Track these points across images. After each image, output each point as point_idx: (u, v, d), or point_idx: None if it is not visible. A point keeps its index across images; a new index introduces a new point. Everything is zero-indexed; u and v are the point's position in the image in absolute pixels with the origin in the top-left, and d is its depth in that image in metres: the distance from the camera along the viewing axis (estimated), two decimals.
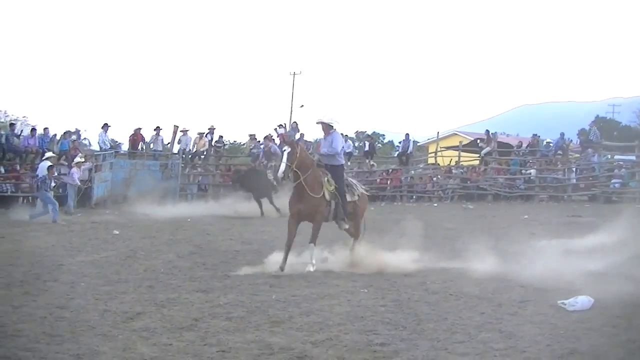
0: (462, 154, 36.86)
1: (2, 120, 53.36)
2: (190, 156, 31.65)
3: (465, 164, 36.51)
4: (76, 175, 25.34)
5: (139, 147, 31.32)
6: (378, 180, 34.96)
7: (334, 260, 13.66)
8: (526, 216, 24.39)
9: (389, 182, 35.55)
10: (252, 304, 9.99)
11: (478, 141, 37.85)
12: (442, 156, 38.36)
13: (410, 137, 36.97)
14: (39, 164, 25.48)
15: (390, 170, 36.44)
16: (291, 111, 57.35)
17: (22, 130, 32.06)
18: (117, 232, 18.56)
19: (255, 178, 24.91)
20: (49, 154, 25.82)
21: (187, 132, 31.77)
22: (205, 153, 32.08)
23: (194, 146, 31.66)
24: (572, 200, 33.23)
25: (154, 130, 31.88)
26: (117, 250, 15.65)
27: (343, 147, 14.01)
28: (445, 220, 22.67)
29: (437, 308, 9.81)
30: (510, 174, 35.23)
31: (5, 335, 8.05)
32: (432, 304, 10.09)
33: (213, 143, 32.46)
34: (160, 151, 31.43)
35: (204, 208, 25.60)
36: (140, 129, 31.76)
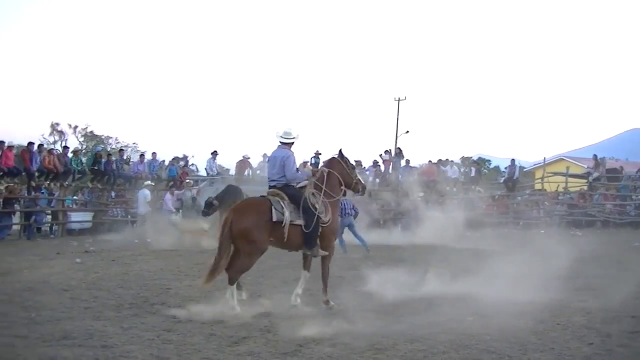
0: (570, 179, 36.08)
1: (113, 146, 54.73)
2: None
3: (572, 189, 35.70)
4: (170, 201, 25.89)
5: (246, 173, 31.71)
6: (484, 206, 34.51)
7: None
8: (637, 243, 23.65)
9: (494, 208, 35.04)
10: (357, 330, 9.93)
11: (586, 167, 36.98)
12: (548, 182, 37.59)
13: (517, 163, 36.50)
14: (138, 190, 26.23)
15: (496, 197, 35.96)
16: (396, 137, 57.19)
17: (130, 157, 32.86)
18: None
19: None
20: (147, 182, 26.64)
21: None
22: None
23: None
24: None
25: (262, 156, 32.22)
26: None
27: None
28: (552, 247, 22.18)
29: (543, 338, 9.57)
30: (620, 200, 34.19)
31: (115, 355, 8.23)
32: (539, 333, 9.84)
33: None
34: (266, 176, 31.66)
35: None
36: (248, 157, 32.16)
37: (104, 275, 15.36)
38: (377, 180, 33.92)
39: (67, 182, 27.19)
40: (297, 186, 12.16)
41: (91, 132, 63.82)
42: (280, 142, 12.30)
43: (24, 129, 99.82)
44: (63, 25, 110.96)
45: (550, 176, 37.79)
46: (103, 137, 62.68)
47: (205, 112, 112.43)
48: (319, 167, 13.49)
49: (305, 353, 8.60)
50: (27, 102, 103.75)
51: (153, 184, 27.78)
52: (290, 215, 11.57)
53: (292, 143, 12.37)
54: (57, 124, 63.60)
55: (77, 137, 62.86)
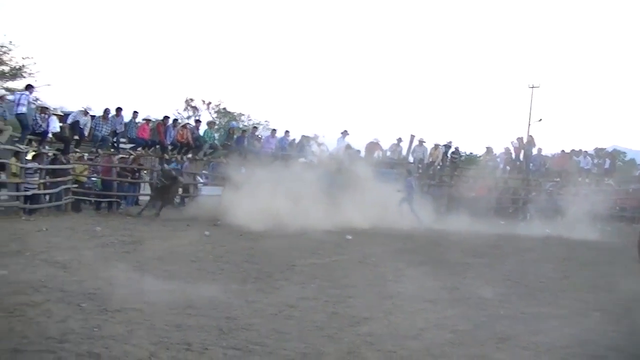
0: None
1: (245, 123, 55.41)
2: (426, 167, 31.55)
3: None
4: None
5: (375, 155, 31.60)
6: (617, 199, 33.43)
7: None
8: None
9: (628, 202, 33.91)
10: (479, 318, 9.84)
11: None
12: None
13: None
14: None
15: (631, 190, 34.81)
16: (529, 125, 56.21)
17: (261, 135, 33.07)
18: (350, 237, 18.80)
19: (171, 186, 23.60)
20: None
21: (424, 142, 31.71)
22: (440, 164, 31.89)
23: (429, 157, 31.56)
24: None
25: (396, 140, 32.08)
26: (349, 255, 15.87)
27: None
28: None
29: None
30: None
31: (237, 327, 8.37)
32: None
33: (449, 154, 32.20)
34: (395, 160, 31.50)
35: (436, 218, 25.33)
36: (378, 141, 32.01)
37: (231, 249, 15.61)
38: (508, 167, 33.33)
39: (198, 156, 27.66)
40: None
41: (224, 108, 64.77)
42: None
43: (160, 104, 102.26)
44: (196, 3, 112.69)
45: None
46: (235, 114, 63.48)
47: (337, 92, 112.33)
48: None
49: (426, 337, 8.54)
50: (164, 77, 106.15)
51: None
52: None
53: None
54: (192, 100, 64.85)
55: (210, 113, 63.88)
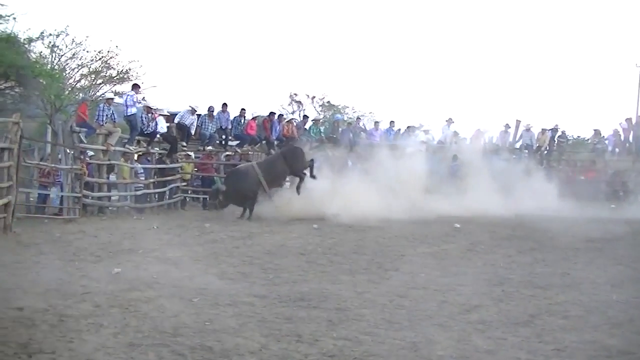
0: None
1: (350, 116, 55.48)
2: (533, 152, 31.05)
3: None
4: None
5: (482, 143, 31.29)
6: None
7: None
8: None
9: None
10: (591, 303, 9.69)
11: None
12: None
13: None
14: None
15: None
16: (638, 105, 54.55)
17: (365, 125, 33.06)
18: (459, 226, 18.68)
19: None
20: None
21: (531, 127, 31.25)
22: (547, 148, 31.39)
23: (536, 142, 31.09)
24: None
25: (504, 126, 31.72)
26: (458, 243, 15.81)
27: None
28: None
29: None
30: None
31: (348, 318, 8.45)
32: None
33: (556, 138, 31.67)
34: (502, 146, 31.09)
35: (544, 205, 24.84)
36: (485, 131, 31.72)
37: (340, 241, 15.72)
38: (617, 150, 32.50)
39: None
40: None
41: (328, 101, 64.81)
42: None
43: (264, 99, 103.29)
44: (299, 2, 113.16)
45: None
46: (340, 107, 63.52)
47: (440, 79, 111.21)
48: None
49: (538, 324, 8.47)
50: (267, 73, 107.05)
51: None
52: None
53: None
54: (296, 95, 65.14)
55: (314, 107, 64.15)
